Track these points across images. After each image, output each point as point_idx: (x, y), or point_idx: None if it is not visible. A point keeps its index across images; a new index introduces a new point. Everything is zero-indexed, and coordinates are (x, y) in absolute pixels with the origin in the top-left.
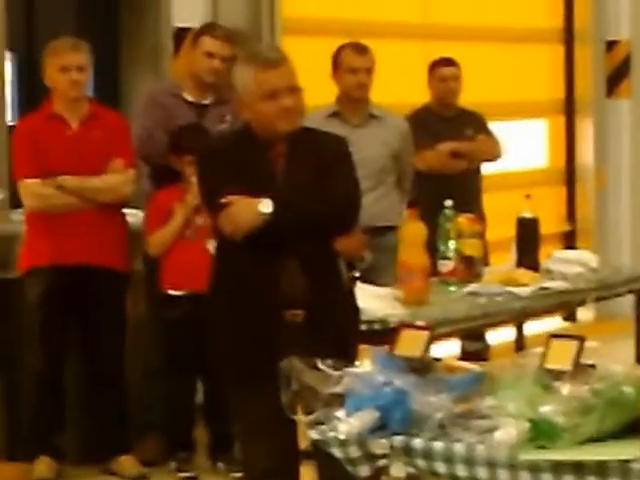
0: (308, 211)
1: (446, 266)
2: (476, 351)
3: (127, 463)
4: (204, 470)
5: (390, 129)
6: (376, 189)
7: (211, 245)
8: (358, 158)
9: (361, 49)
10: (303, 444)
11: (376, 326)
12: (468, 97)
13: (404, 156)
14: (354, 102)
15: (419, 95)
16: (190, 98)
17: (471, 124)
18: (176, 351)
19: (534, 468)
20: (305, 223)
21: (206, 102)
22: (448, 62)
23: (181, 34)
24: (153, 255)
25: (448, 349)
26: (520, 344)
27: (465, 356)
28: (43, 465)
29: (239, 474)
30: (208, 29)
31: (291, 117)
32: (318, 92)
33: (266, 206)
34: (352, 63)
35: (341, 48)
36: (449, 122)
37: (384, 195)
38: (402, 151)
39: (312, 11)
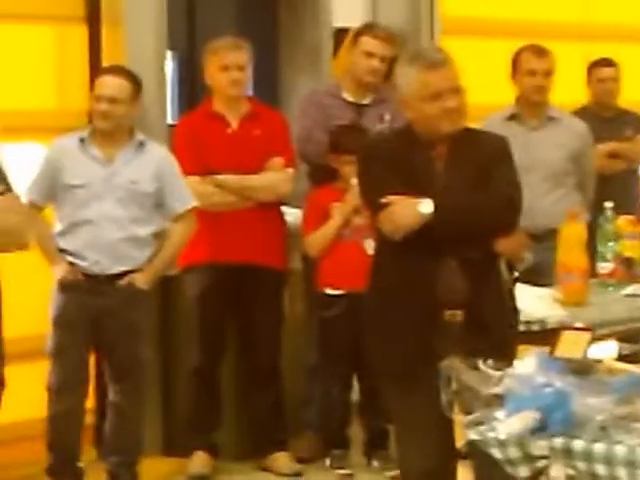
0: (469, 212)
1: (605, 267)
2: (632, 354)
3: (282, 460)
4: (359, 468)
5: (568, 131)
6: (554, 191)
7: (369, 245)
8: (535, 160)
9: (541, 52)
10: (459, 444)
11: (534, 327)
12: (628, 97)
13: (584, 158)
14: (532, 105)
15: (577, 96)
16: (349, 98)
17: (631, 124)
18: (333, 349)
19: None
20: (465, 224)
21: (365, 102)
22: (607, 62)
23: (340, 34)
24: (311, 255)
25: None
26: None
27: (619, 359)
28: (199, 460)
29: (394, 472)
30: (368, 29)
31: (454, 118)
32: (478, 93)
33: (427, 207)
34: (531, 66)
35: (521, 50)
36: (608, 123)
37: (563, 197)
38: (581, 153)
39: (472, 11)
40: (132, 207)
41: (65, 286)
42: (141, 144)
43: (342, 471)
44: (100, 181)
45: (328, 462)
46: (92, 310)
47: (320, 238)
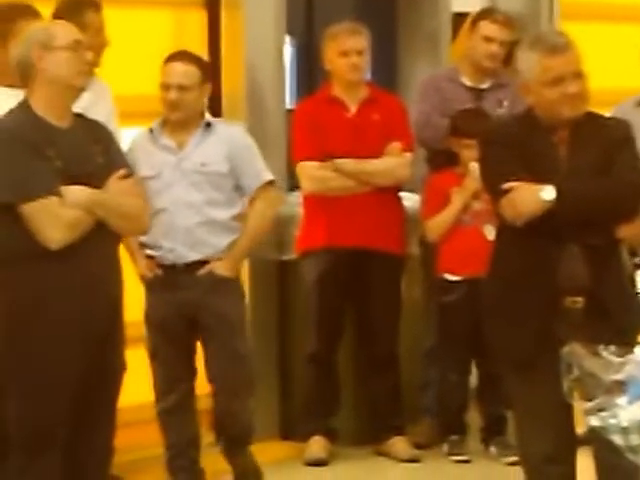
0: (591, 199)
1: None
2: None
3: (399, 445)
4: (476, 454)
5: None
6: None
7: (488, 230)
8: None
9: None
10: (579, 430)
11: None
12: None
13: None
14: None
15: None
16: (468, 83)
17: None
18: (451, 335)
19: None
20: (588, 211)
21: (484, 86)
22: None
23: (459, 19)
24: (431, 240)
25: None
26: None
27: None
28: (316, 445)
29: (512, 458)
30: (487, 14)
31: (576, 103)
32: (601, 78)
33: (549, 193)
34: None
35: None
36: None
37: None
38: None
39: None
40: (207, 190)
41: (147, 284)
42: (208, 125)
43: (459, 457)
44: (170, 169)
45: (445, 448)
46: (177, 305)
47: (440, 223)
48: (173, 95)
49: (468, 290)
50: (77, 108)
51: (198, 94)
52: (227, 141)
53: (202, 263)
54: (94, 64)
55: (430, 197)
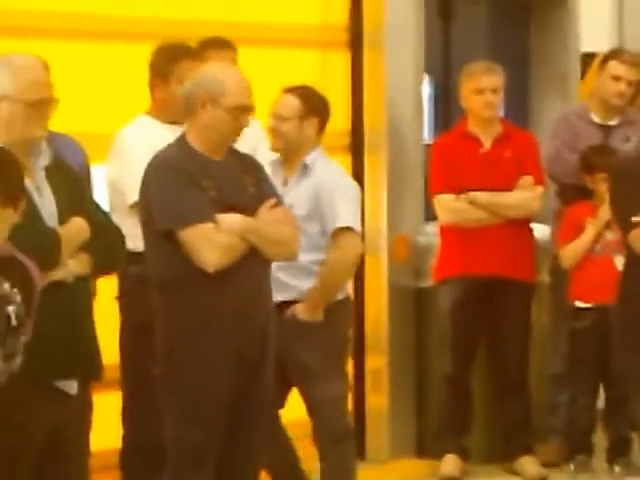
0: None
1: None
2: None
3: (529, 464)
4: (601, 473)
5: None
6: None
7: (619, 260)
8: None
9: None
10: None
11: None
12: None
13: None
14: None
15: None
16: (597, 119)
17: None
18: (580, 359)
19: None
20: None
21: (612, 123)
22: None
23: (587, 59)
24: (564, 267)
25: None
26: None
27: None
28: (450, 463)
29: (636, 478)
30: (615, 54)
31: None
32: None
33: None
34: None
35: None
36: None
37: None
38: None
39: None
40: None
41: None
42: (305, 167)
43: (585, 475)
44: None
45: (572, 467)
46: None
47: (573, 251)
48: (271, 123)
49: (598, 317)
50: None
51: (297, 125)
52: (316, 183)
53: (286, 304)
54: None
55: (565, 227)
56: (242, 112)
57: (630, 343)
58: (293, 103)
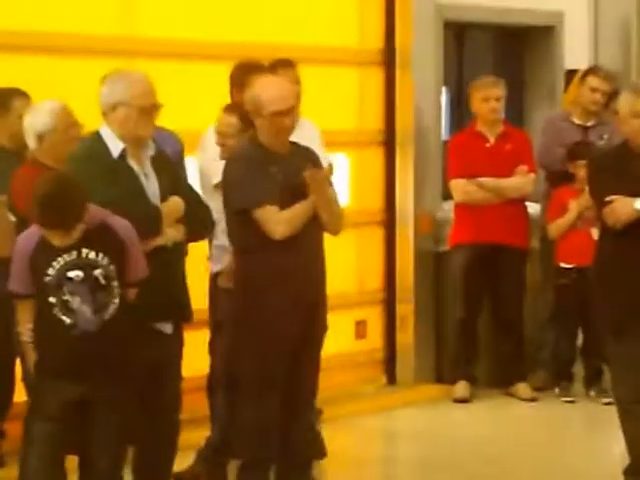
0: None
1: None
2: None
3: (522, 388)
4: (580, 396)
5: None
6: None
7: (594, 232)
8: None
9: None
10: None
11: None
12: None
13: None
14: None
15: None
16: (577, 121)
17: None
18: (564, 309)
19: None
20: None
21: (589, 124)
22: None
23: (570, 74)
24: (551, 238)
25: None
26: None
27: None
28: (461, 387)
29: (608, 399)
30: (592, 70)
31: None
32: None
33: None
34: None
35: None
36: None
37: None
38: None
39: None
40: None
41: None
42: None
43: (567, 398)
44: None
45: (557, 391)
46: None
47: (559, 226)
48: (218, 140)
49: (577, 275)
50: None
51: (238, 139)
52: None
53: None
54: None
55: (552, 206)
56: (278, 116)
57: (600, 295)
58: (233, 121)
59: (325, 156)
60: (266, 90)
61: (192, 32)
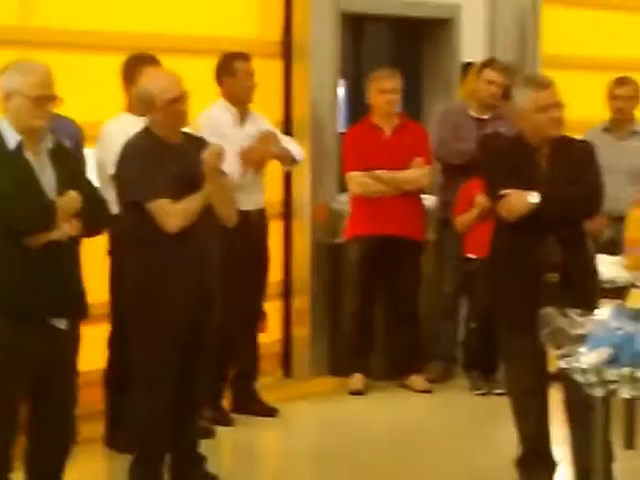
0: (566, 202)
1: None
2: None
3: (417, 380)
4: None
5: None
6: (634, 186)
7: None
8: (621, 162)
9: (622, 81)
10: (552, 370)
11: (607, 285)
12: None
13: None
14: (619, 121)
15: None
16: (474, 114)
17: None
18: (472, 295)
19: None
20: (563, 211)
21: (485, 117)
22: None
23: (466, 67)
24: (459, 231)
25: None
26: None
27: None
28: (356, 380)
29: (501, 390)
30: (489, 63)
31: (558, 125)
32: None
33: (534, 198)
34: (614, 92)
35: (610, 81)
36: None
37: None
38: None
39: (565, 50)
40: None
41: None
42: None
43: (479, 391)
44: None
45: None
46: None
47: (466, 220)
48: None
49: (482, 265)
50: None
51: None
52: None
53: None
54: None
55: (460, 199)
56: (174, 103)
57: (496, 288)
58: None
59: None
60: (155, 82)
61: (90, 23)
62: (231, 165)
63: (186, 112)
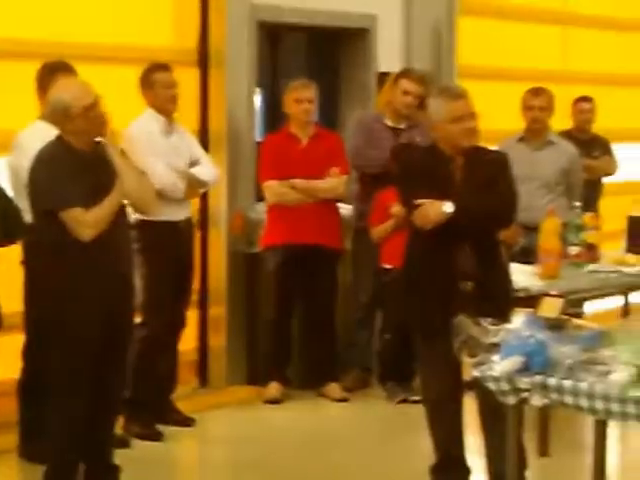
0: (480, 212)
1: (574, 251)
2: (575, 314)
3: (334, 389)
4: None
5: (561, 153)
6: (547, 195)
7: None
8: (535, 172)
9: (536, 91)
10: (466, 378)
11: (520, 293)
12: (599, 126)
13: (572, 173)
14: (534, 131)
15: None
16: (390, 124)
17: (599, 147)
18: (387, 303)
19: (639, 402)
20: (477, 220)
21: (401, 127)
22: (586, 99)
23: (383, 76)
24: (375, 241)
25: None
26: (626, 310)
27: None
28: (273, 389)
29: (418, 397)
30: (405, 73)
31: (472, 136)
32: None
33: (449, 207)
34: (528, 102)
35: (525, 91)
36: (583, 144)
37: (554, 200)
38: (570, 169)
39: (480, 61)
40: None
41: None
42: None
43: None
44: None
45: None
46: None
47: (382, 231)
48: None
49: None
50: None
51: None
52: None
53: None
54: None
55: (376, 209)
56: (90, 109)
57: (412, 297)
58: None
59: (207, 160)
60: (67, 90)
61: (4, 30)
62: (171, 180)
63: (104, 117)
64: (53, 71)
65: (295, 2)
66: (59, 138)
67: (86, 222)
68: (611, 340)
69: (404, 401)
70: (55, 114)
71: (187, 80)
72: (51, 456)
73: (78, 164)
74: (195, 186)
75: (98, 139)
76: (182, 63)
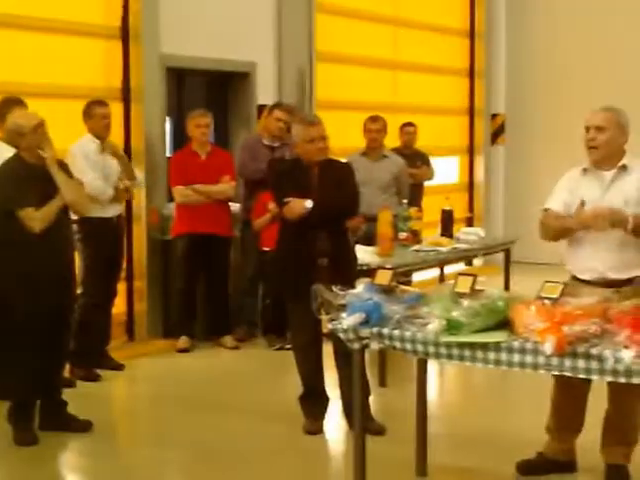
0: (332, 207)
1: (403, 236)
2: (405, 282)
3: (228, 340)
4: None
5: (393, 163)
6: (383, 195)
7: None
8: (374, 178)
9: (374, 118)
10: (324, 330)
11: (363, 267)
12: (420, 144)
13: (401, 178)
14: (372, 148)
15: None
16: (267, 143)
17: (420, 159)
18: (260, 278)
19: (448, 345)
20: (330, 213)
21: (275, 145)
22: (409, 124)
23: (261, 108)
24: (256, 230)
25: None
26: (442, 278)
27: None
28: (183, 341)
29: (289, 345)
30: (278, 105)
31: (322, 153)
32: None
33: (309, 203)
34: (368, 126)
35: (365, 118)
36: (408, 157)
37: (388, 198)
38: (399, 175)
39: (334, 95)
40: None
41: None
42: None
43: (275, 347)
44: None
45: (266, 341)
46: None
47: (262, 223)
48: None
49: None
50: None
51: None
52: None
53: None
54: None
55: (257, 206)
56: (38, 128)
57: (280, 270)
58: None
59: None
60: (20, 116)
61: None
62: (100, 188)
63: (47, 135)
64: (10, 104)
65: (195, 52)
66: (16, 155)
67: (36, 217)
68: (428, 300)
69: (280, 348)
70: (11, 135)
71: (115, 111)
72: (14, 394)
73: (31, 175)
74: (130, 177)
75: (44, 155)
76: (110, 98)
